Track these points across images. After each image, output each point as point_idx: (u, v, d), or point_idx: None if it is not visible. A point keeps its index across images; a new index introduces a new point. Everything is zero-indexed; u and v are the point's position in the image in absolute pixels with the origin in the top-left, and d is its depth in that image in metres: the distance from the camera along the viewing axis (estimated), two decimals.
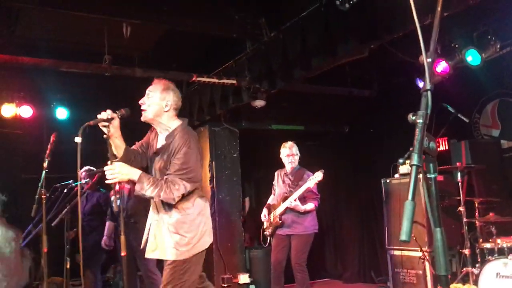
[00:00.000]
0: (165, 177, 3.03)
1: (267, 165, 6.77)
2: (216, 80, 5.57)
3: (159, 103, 3.15)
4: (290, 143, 5.41)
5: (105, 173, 2.94)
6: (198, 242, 3.12)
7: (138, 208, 5.10)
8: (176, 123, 3.22)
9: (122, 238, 2.94)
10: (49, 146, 4.13)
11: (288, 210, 5.16)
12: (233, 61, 5.84)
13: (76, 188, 4.86)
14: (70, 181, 5.06)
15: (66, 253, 4.58)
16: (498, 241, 4.47)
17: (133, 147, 3.34)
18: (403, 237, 1.20)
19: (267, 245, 5.48)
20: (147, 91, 3.22)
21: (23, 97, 6.25)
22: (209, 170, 6.77)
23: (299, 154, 5.40)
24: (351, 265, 7.48)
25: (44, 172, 4.00)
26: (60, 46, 5.71)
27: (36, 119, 6.46)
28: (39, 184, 4.08)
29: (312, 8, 4.66)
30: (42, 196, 4.07)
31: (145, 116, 3.19)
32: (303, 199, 5.15)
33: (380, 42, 4.39)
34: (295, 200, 5.06)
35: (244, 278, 6.55)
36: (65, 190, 5.04)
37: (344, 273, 7.59)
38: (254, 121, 7.23)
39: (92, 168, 5.62)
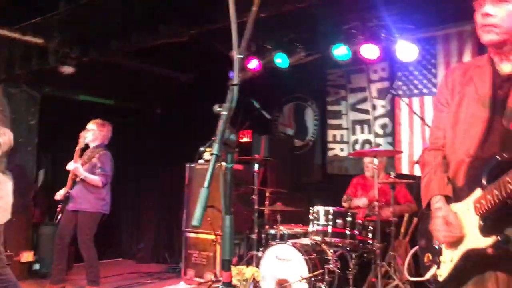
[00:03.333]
0: None
1: (69, 137, 6.32)
2: (18, 36, 4.95)
3: None
4: (94, 120, 5.18)
5: None
6: None
7: None
8: None
9: None
10: None
11: (77, 185, 4.95)
12: (42, 18, 5.26)
13: None
14: None
15: None
16: (281, 228, 5.00)
17: None
18: (194, 222, 1.25)
19: (56, 221, 5.12)
20: None
21: None
22: None
23: (97, 131, 5.16)
24: (146, 245, 7.51)
25: None
26: None
27: None
28: None
29: None
30: None
31: None
32: (92, 174, 4.98)
33: (200, 30, 4.47)
34: (75, 163, 4.88)
35: (27, 256, 6.02)
36: None
37: (138, 253, 7.58)
38: (60, 88, 6.66)
39: None
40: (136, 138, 7.64)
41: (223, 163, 1.42)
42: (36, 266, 6.14)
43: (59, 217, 4.99)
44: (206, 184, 1.29)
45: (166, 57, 6.41)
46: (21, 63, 5.54)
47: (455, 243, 1.82)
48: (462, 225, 1.80)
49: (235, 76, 1.40)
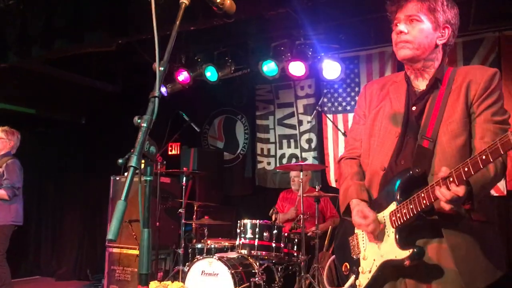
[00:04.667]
0: None
1: None
2: None
3: None
4: (1, 128, 4.92)
5: None
6: None
7: None
8: None
9: None
10: None
11: None
12: None
13: None
14: None
15: None
16: (209, 241, 4.96)
17: None
18: (110, 236, 1.21)
19: None
20: None
21: None
22: None
23: (5, 139, 4.90)
24: (67, 262, 7.16)
25: None
26: None
27: None
28: None
29: None
30: None
31: None
32: None
33: (128, 39, 4.40)
34: None
35: None
36: None
37: (58, 270, 7.20)
38: None
39: None
40: (59, 149, 7.30)
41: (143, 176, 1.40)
42: None
43: None
44: (122, 197, 1.27)
45: (93, 67, 6.23)
46: None
47: (371, 253, 1.91)
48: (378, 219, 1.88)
49: (156, 88, 1.39)
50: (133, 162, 1.30)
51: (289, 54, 5.20)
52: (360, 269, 1.97)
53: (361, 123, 2.12)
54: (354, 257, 2.02)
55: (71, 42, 4.57)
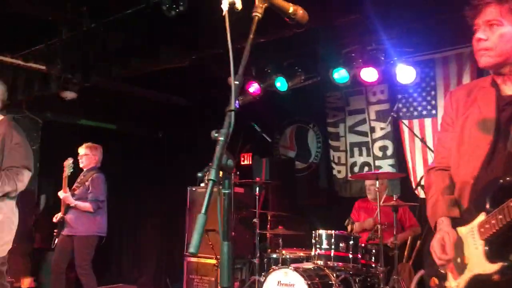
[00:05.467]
0: (5, 169, 2.91)
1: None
2: (21, 63, 5.01)
3: None
4: (85, 144, 5.24)
5: None
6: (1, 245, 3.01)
7: None
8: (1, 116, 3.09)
9: None
10: None
11: (70, 210, 4.95)
12: (44, 45, 5.33)
13: None
14: None
15: None
16: (283, 252, 4.95)
17: None
18: (191, 249, 1.24)
19: (53, 246, 5.09)
20: None
21: None
22: None
23: (90, 154, 5.19)
24: (148, 270, 7.44)
25: None
26: None
27: None
28: None
29: (139, 7, 4.56)
30: None
31: None
32: (84, 199, 4.98)
33: (201, 55, 4.51)
34: (65, 192, 4.92)
35: (27, 282, 5.96)
36: None
37: (139, 278, 7.49)
38: (62, 113, 6.70)
39: None
40: (138, 162, 7.64)
41: (221, 189, 1.42)
42: None
43: (55, 242, 4.97)
44: (203, 210, 1.29)
45: (167, 82, 6.46)
46: (24, 89, 5.58)
47: (459, 268, 1.80)
48: (463, 249, 1.78)
49: (231, 102, 1.40)
50: (212, 175, 1.31)
51: (360, 60, 5.10)
52: (447, 284, 1.87)
53: (450, 131, 2.02)
54: (442, 271, 1.91)
55: (146, 59, 4.78)
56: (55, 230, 5.01)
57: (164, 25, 4.32)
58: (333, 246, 4.35)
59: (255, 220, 5.24)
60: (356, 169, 6.13)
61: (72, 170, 5.05)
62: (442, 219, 1.90)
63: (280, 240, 4.97)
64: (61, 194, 4.95)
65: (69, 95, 5.37)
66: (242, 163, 6.86)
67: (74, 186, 5.04)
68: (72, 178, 5.10)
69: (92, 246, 4.95)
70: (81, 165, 5.14)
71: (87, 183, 5.01)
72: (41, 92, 5.53)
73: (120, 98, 6.62)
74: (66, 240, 4.92)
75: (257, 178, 5.47)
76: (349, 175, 6.09)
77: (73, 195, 4.95)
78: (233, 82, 1.42)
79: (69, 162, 5.03)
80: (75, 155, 5.16)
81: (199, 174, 1.35)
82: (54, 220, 5.01)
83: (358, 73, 5.16)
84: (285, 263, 4.82)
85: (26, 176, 3.01)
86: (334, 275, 4.32)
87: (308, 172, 6.66)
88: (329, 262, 4.35)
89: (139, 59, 4.76)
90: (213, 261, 5.44)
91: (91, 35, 4.90)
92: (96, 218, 4.99)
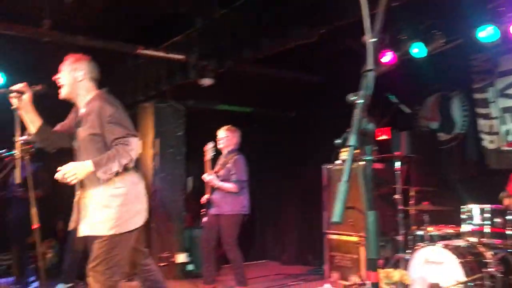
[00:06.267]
0: (112, 144, 2.94)
1: None
2: (163, 54, 5.39)
3: (71, 75, 3.11)
4: (224, 127, 5.42)
5: (60, 176, 2.87)
6: (131, 217, 3.02)
7: None
8: (93, 93, 3.16)
9: (33, 210, 2.77)
10: None
11: (216, 190, 5.20)
12: (181, 36, 5.67)
13: (7, 158, 4.63)
14: (3, 150, 4.77)
15: None
16: (429, 229, 4.65)
17: (56, 128, 3.27)
18: (335, 218, 1.17)
19: (202, 225, 5.45)
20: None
21: None
22: (152, 148, 6.60)
23: (230, 136, 5.36)
24: (290, 248, 7.60)
25: None
26: None
27: None
28: None
29: None
30: None
31: (62, 93, 3.16)
32: (227, 180, 5.16)
33: (329, 28, 4.38)
34: (209, 175, 5.17)
35: (181, 258, 6.50)
36: None
37: (282, 255, 7.70)
38: (201, 99, 7.09)
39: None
40: (274, 143, 7.79)
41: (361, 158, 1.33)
42: (190, 267, 6.59)
43: (204, 221, 5.30)
44: (345, 178, 1.22)
45: (296, 60, 6.43)
46: (167, 79, 6.00)
47: None
48: None
49: (368, 62, 1.30)
50: (351, 140, 1.23)
51: (510, 14, 4.51)
52: None
53: None
54: None
55: (275, 39, 4.79)
56: (202, 210, 5.35)
57: (290, 3, 4.28)
58: (487, 222, 3.97)
59: (396, 196, 5.00)
60: (510, 137, 5.48)
61: (214, 153, 5.33)
62: None
63: (425, 216, 4.67)
64: (206, 176, 5.26)
65: (206, 82, 5.62)
66: (379, 137, 6.58)
67: (217, 168, 5.30)
68: (213, 162, 5.39)
69: (237, 224, 5.18)
70: (220, 147, 5.37)
71: (228, 165, 5.23)
72: (181, 81, 5.89)
73: (253, 81, 6.78)
74: (213, 218, 5.21)
75: (397, 153, 5.19)
76: (504, 144, 5.46)
77: (217, 177, 5.22)
78: (369, 40, 1.32)
79: (210, 146, 5.31)
80: (215, 140, 5.42)
81: (337, 141, 1.29)
82: (202, 201, 5.35)
83: (509, 28, 4.57)
84: (432, 240, 4.54)
85: (134, 142, 2.93)
86: (491, 253, 3.94)
87: (454, 143, 6.13)
88: (483, 239, 3.98)
89: (268, 40, 4.79)
90: (355, 239, 5.33)
91: (222, 21, 5.07)
92: (239, 198, 5.20)
